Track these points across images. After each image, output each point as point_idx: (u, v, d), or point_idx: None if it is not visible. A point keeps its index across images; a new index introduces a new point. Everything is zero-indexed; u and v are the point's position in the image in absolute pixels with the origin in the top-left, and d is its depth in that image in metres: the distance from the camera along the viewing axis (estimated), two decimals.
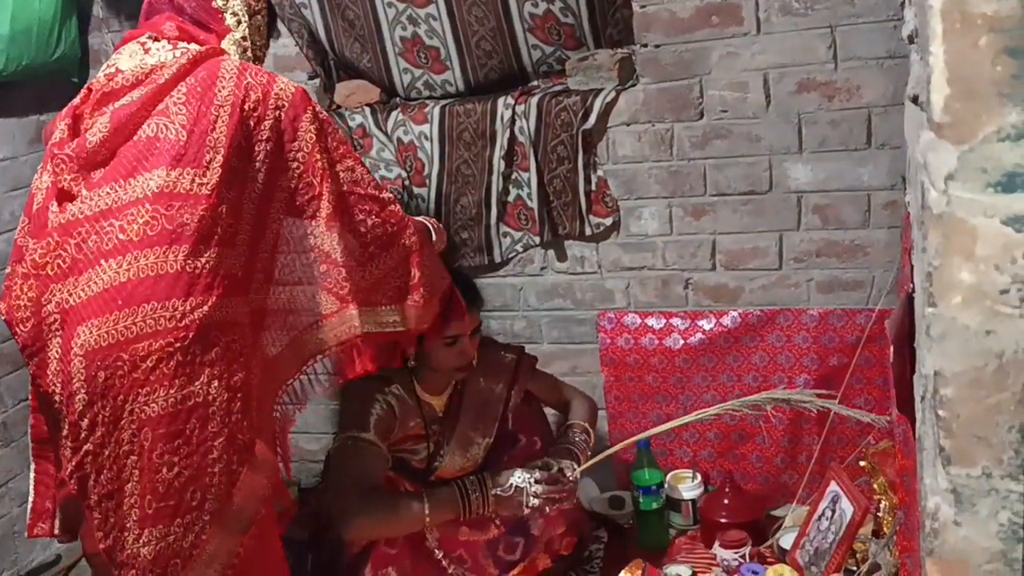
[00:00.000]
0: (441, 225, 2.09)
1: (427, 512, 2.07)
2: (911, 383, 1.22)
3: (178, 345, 1.54)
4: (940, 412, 0.87)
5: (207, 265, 1.57)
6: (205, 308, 1.56)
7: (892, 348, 1.65)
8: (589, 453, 2.31)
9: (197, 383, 1.55)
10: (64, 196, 1.65)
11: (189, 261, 1.56)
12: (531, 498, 2.13)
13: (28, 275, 1.61)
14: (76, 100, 1.74)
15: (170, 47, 1.72)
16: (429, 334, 2.03)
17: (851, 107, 2.30)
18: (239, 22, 1.80)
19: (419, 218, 2.04)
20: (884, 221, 2.35)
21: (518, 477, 2.15)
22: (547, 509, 2.16)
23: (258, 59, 1.87)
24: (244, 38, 1.81)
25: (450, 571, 2.22)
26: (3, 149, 2.67)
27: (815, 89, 2.32)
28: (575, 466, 2.22)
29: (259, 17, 1.86)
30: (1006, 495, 0.87)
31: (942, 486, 0.90)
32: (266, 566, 1.69)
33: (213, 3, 1.80)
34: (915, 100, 0.93)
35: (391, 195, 1.84)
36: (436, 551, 2.19)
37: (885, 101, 2.26)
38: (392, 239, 1.82)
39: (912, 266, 1.33)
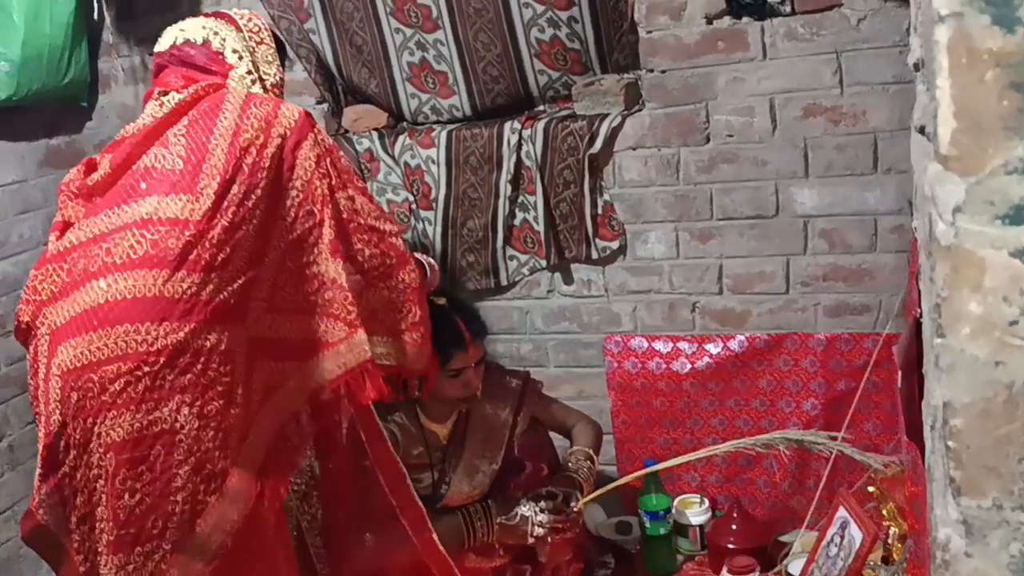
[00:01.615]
0: (436, 265, 2.08)
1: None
2: (920, 409, 1.22)
3: (147, 369, 1.52)
4: (950, 443, 0.87)
5: (188, 291, 1.55)
6: (180, 334, 1.54)
7: (900, 374, 1.64)
8: (593, 480, 2.30)
9: (165, 409, 1.53)
10: (67, 227, 1.70)
11: (168, 286, 1.55)
12: (536, 527, 2.13)
13: (28, 301, 1.67)
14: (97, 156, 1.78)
15: (182, 96, 1.74)
16: (429, 374, 2.01)
17: (857, 132, 2.31)
18: (240, 58, 1.81)
19: (416, 255, 2.05)
20: (891, 245, 2.35)
21: (524, 507, 2.14)
22: (550, 539, 2.16)
23: (273, 87, 1.86)
24: (250, 71, 1.82)
25: None
26: (13, 172, 2.69)
27: (821, 114, 2.33)
28: (579, 496, 2.21)
29: (264, 48, 1.86)
30: (1017, 527, 0.86)
31: (952, 517, 0.90)
32: None
33: (211, 47, 1.81)
34: (922, 131, 0.93)
35: (394, 227, 1.82)
36: None
37: (891, 126, 2.26)
38: (390, 271, 1.80)
39: (919, 291, 1.33)
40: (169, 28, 1.89)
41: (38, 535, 1.66)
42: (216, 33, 1.83)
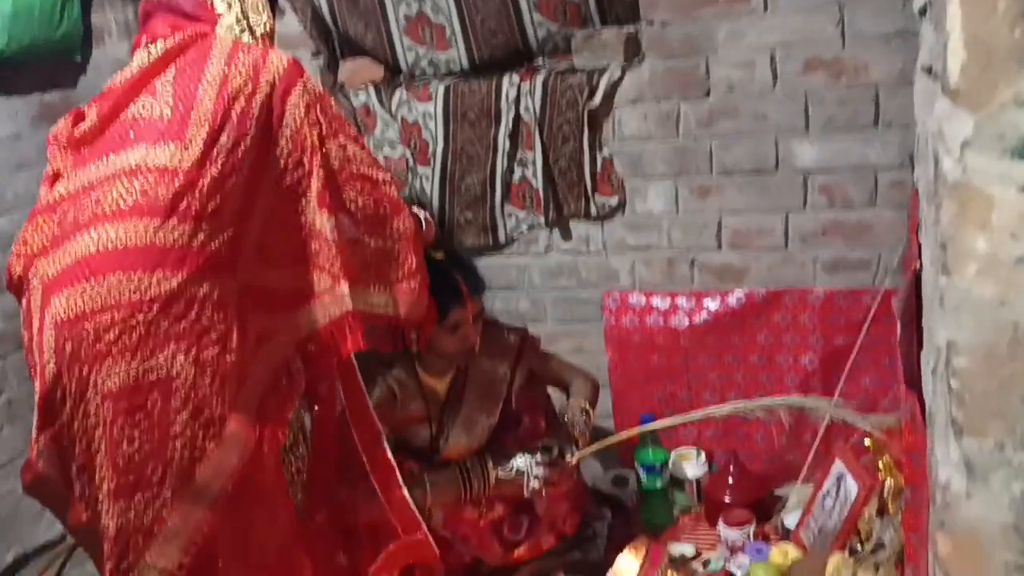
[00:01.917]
0: (432, 219, 2.07)
1: (428, 492, 2.07)
2: (918, 361, 1.22)
3: (140, 318, 1.52)
4: (953, 384, 0.86)
5: (180, 239, 1.55)
6: (173, 282, 1.54)
7: (899, 325, 1.64)
8: (589, 434, 2.31)
9: (161, 357, 1.54)
10: (57, 178, 1.69)
11: (159, 234, 1.54)
12: (532, 480, 2.14)
13: (19, 254, 1.67)
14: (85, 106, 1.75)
15: (168, 43, 1.71)
16: (426, 324, 2.01)
17: (859, 85, 2.29)
18: (228, 6, 1.78)
19: (412, 208, 2.03)
20: (891, 200, 2.34)
21: (520, 460, 2.16)
22: (546, 491, 2.17)
23: (263, 36, 1.84)
24: (238, 20, 1.79)
25: (456, 550, 2.23)
26: (6, 127, 2.66)
27: (822, 67, 2.30)
28: (574, 448, 2.22)
29: None
30: (1019, 467, 0.86)
31: (954, 458, 0.89)
32: (260, 545, 1.67)
33: None
34: (929, 71, 0.92)
35: (388, 176, 1.81)
36: (440, 530, 2.19)
37: (893, 79, 2.24)
38: (384, 221, 1.78)
39: (919, 244, 1.32)
40: None
41: (39, 485, 1.67)
42: None
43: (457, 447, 2.26)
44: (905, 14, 2.15)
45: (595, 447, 2.25)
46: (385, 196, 1.78)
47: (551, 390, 2.48)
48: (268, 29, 1.85)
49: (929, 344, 1.02)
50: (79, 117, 1.73)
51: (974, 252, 0.79)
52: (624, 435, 2.29)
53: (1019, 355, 0.82)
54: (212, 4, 1.78)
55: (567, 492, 2.33)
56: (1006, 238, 0.77)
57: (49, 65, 2.77)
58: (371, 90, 2.71)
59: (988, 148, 0.75)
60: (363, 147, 1.78)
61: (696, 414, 2.21)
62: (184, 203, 1.56)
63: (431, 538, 1.93)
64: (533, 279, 2.75)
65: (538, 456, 2.17)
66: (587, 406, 2.37)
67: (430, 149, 2.68)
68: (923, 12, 1.17)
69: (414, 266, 1.82)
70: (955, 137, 0.76)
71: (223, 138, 1.61)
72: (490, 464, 2.17)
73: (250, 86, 1.64)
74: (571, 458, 2.21)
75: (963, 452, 0.88)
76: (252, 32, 1.82)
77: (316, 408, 1.81)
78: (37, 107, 2.74)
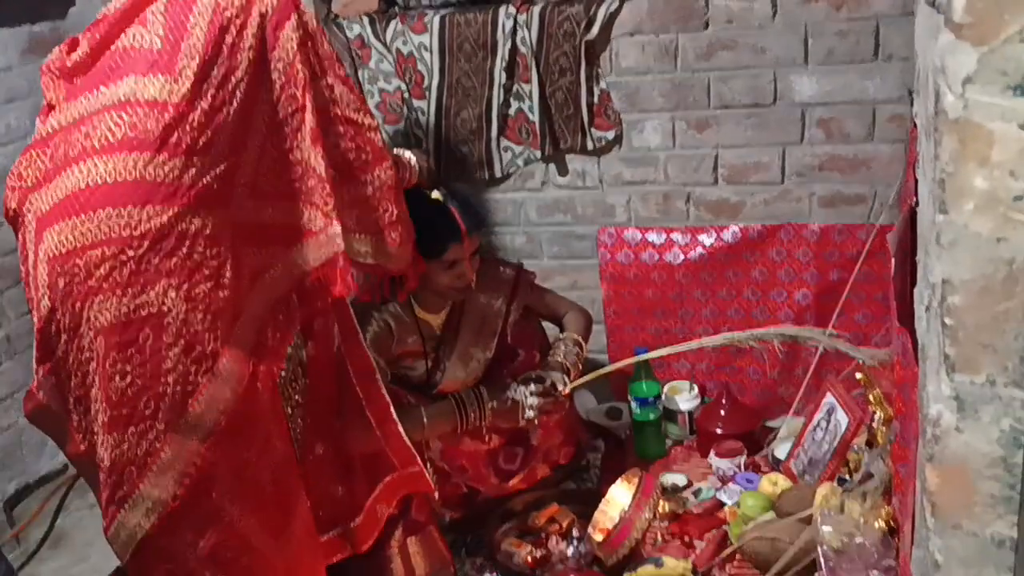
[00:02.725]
0: (417, 161, 2.04)
1: (425, 423, 2.10)
2: (911, 296, 1.23)
3: (131, 253, 1.51)
4: (946, 320, 0.88)
5: (171, 174, 1.53)
6: (164, 217, 1.52)
7: (893, 262, 1.65)
8: (581, 365, 2.34)
9: (152, 292, 1.53)
10: (51, 111, 1.67)
11: (149, 169, 1.52)
12: (527, 410, 2.17)
13: (14, 188, 1.65)
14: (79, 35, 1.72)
15: None
16: (408, 275, 2.00)
17: (860, 17, 2.26)
18: None
19: (403, 151, 2.01)
20: (889, 135, 2.33)
21: (514, 390, 2.18)
22: (539, 420, 2.20)
23: None
24: None
25: (452, 481, 2.27)
26: None
27: None
28: (566, 379, 2.25)
29: None
30: (1009, 402, 0.88)
31: (945, 393, 0.91)
32: (255, 477, 1.68)
33: None
34: (932, 3, 0.91)
35: (373, 122, 1.77)
36: (438, 461, 2.23)
37: (895, 11, 2.22)
38: (365, 167, 1.75)
39: (916, 180, 1.32)
40: None
41: (41, 414, 1.69)
42: None
43: (453, 380, 2.29)
44: None
45: (588, 377, 2.28)
46: (368, 142, 1.75)
47: (546, 324, 2.50)
48: None
49: (923, 281, 1.03)
50: (73, 46, 1.70)
51: (973, 189, 0.79)
52: (617, 365, 2.31)
53: (1014, 292, 0.83)
54: None
55: (561, 423, 2.36)
56: (1005, 175, 0.78)
57: None
58: (365, 21, 2.67)
59: (991, 84, 0.74)
60: (351, 89, 1.74)
61: (689, 345, 2.23)
62: (175, 137, 1.54)
63: (427, 470, 1.96)
64: (529, 214, 2.74)
65: (532, 386, 2.19)
66: (580, 339, 2.39)
67: (425, 82, 2.65)
68: None
69: (395, 216, 1.79)
70: (957, 72, 0.76)
71: (214, 71, 1.58)
72: (485, 395, 2.19)
73: (242, 17, 1.61)
74: (564, 388, 2.23)
75: (955, 387, 0.90)
76: None
77: (312, 343, 1.81)
78: (26, 39, 2.69)
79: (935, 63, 0.80)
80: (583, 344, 2.39)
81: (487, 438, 2.27)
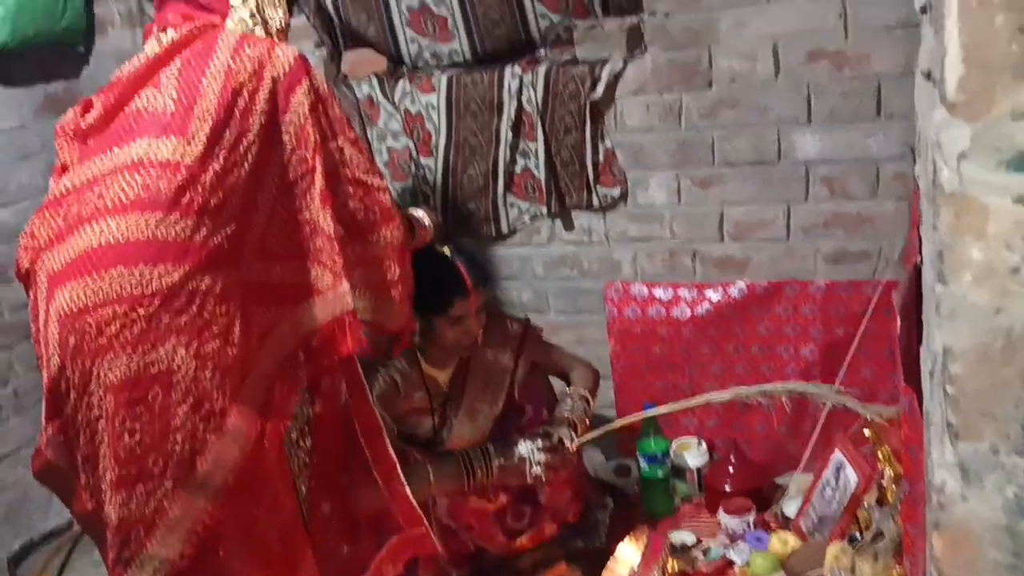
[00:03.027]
0: (429, 220, 2.06)
1: (431, 481, 2.09)
2: (918, 355, 1.23)
3: (142, 311, 1.53)
4: (948, 388, 0.88)
5: (182, 233, 1.55)
6: (175, 276, 1.54)
7: (899, 320, 1.65)
8: (589, 421, 2.33)
9: (162, 350, 1.54)
10: (64, 172, 1.70)
11: (161, 228, 1.54)
12: (534, 466, 2.16)
13: (27, 247, 1.68)
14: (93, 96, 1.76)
15: (176, 34, 1.72)
16: (403, 334, 2.01)
17: (861, 76, 2.29)
18: (244, 0, 1.79)
19: (415, 210, 2.03)
20: (892, 192, 2.34)
21: (522, 447, 2.17)
22: (547, 476, 2.19)
23: (278, 32, 1.83)
24: (252, 15, 1.79)
25: (459, 538, 2.26)
26: (10, 119, 2.67)
27: (825, 58, 2.30)
28: (573, 435, 2.24)
29: None
30: (1012, 470, 0.88)
31: (949, 460, 0.91)
32: (262, 535, 1.68)
33: None
34: (928, 76, 0.93)
35: (383, 183, 1.80)
36: (444, 519, 2.22)
37: (896, 70, 2.25)
38: (373, 226, 1.78)
39: (920, 238, 1.33)
40: None
41: (48, 472, 1.70)
42: None
43: (461, 437, 2.28)
44: (907, 5, 2.14)
45: (595, 433, 2.27)
46: (377, 202, 1.78)
47: (553, 380, 2.50)
48: (283, 25, 1.84)
49: (927, 347, 1.04)
50: (87, 107, 1.74)
51: (970, 261, 0.80)
52: (624, 421, 2.30)
53: (1013, 360, 0.83)
54: None
55: (569, 480, 2.35)
56: (1001, 247, 0.79)
57: (52, 56, 2.77)
58: (374, 81, 2.72)
59: (984, 159, 0.76)
60: (361, 151, 1.77)
61: (697, 400, 2.22)
62: (187, 197, 1.56)
63: (433, 531, 1.95)
64: (536, 269, 2.76)
65: (539, 442, 2.18)
66: (587, 394, 2.39)
67: (433, 140, 2.68)
68: (924, 10, 1.17)
69: (397, 276, 1.81)
70: (952, 147, 0.77)
71: (226, 133, 1.61)
72: (492, 452, 2.18)
73: (254, 81, 1.64)
74: (571, 444, 2.23)
75: (958, 455, 0.90)
76: (266, 27, 1.82)
77: (319, 401, 1.82)
78: (41, 98, 2.75)
79: (931, 138, 0.82)
80: (590, 400, 2.39)
81: (494, 496, 2.25)
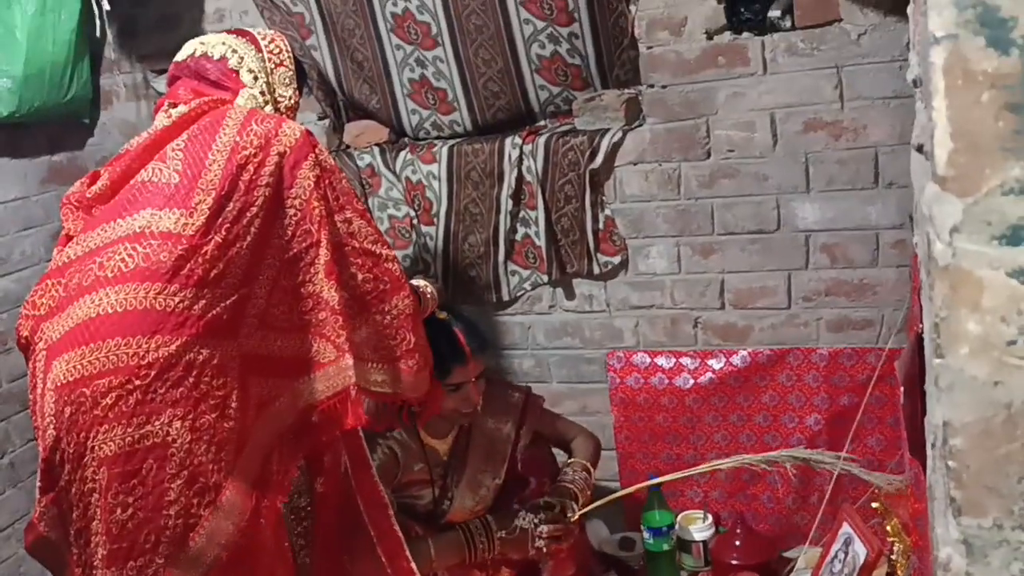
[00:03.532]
0: (434, 289, 2.07)
1: (433, 556, 2.05)
2: (922, 426, 1.22)
3: (138, 383, 1.52)
4: (950, 463, 0.86)
5: (180, 304, 1.55)
6: (172, 347, 1.53)
7: (902, 389, 1.64)
8: (590, 492, 2.30)
9: (157, 423, 1.53)
10: (68, 241, 1.72)
11: (160, 299, 1.54)
12: (537, 539, 2.12)
13: (28, 316, 1.69)
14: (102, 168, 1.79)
15: (186, 108, 1.75)
16: (429, 402, 2.00)
17: (858, 146, 2.31)
18: (255, 78, 1.81)
19: (418, 281, 2.04)
20: (893, 260, 2.34)
21: (523, 519, 2.14)
22: (550, 549, 2.15)
23: (287, 111, 1.86)
24: (263, 92, 1.82)
25: None
26: (15, 189, 2.70)
27: (822, 129, 2.33)
28: (575, 505, 2.21)
29: (283, 70, 1.86)
30: (1017, 546, 0.86)
31: (953, 536, 0.89)
32: None
33: (228, 64, 1.81)
34: (920, 149, 0.93)
35: (391, 253, 1.80)
36: None
37: (892, 140, 2.26)
38: (384, 296, 1.77)
39: (921, 306, 1.32)
40: (191, 40, 1.90)
41: (41, 546, 1.67)
42: (235, 51, 1.83)
43: (462, 509, 2.25)
44: (902, 77, 2.18)
45: (598, 504, 2.23)
46: (386, 272, 1.77)
47: (556, 451, 2.47)
48: (293, 103, 1.88)
49: (928, 420, 1.02)
50: (94, 179, 1.76)
51: (966, 334, 0.80)
52: (626, 491, 2.27)
53: (1014, 435, 0.82)
54: (239, 75, 1.81)
55: (573, 554, 2.30)
56: (997, 320, 0.78)
57: (58, 127, 2.82)
58: (376, 151, 2.75)
59: (977, 234, 0.76)
60: (368, 222, 1.78)
61: (701, 468, 2.20)
62: (187, 268, 1.56)
63: None
64: (537, 338, 2.75)
65: (541, 515, 2.15)
66: (588, 464, 2.36)
67: (434, 209, 2.70)
68: (916, 84, 1.18)
69: (412, 344, 1.80)
70: (944, 222, 0.77)
71: (229, 206, 1.62)
72: (493, 525, 2.15)
73: (260, 155, 1.65)
74: (573, 515, 2.19)
75: (962, 531, 0.88)
76: (276, 105, 1.85)
77: (321, 479, 1.79)
78: (46, 169, 2.78)
79: (924, 211, 0.82)
80: (591, 470, 2.36)
81: (494, 571, 2.21)
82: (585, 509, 2.22)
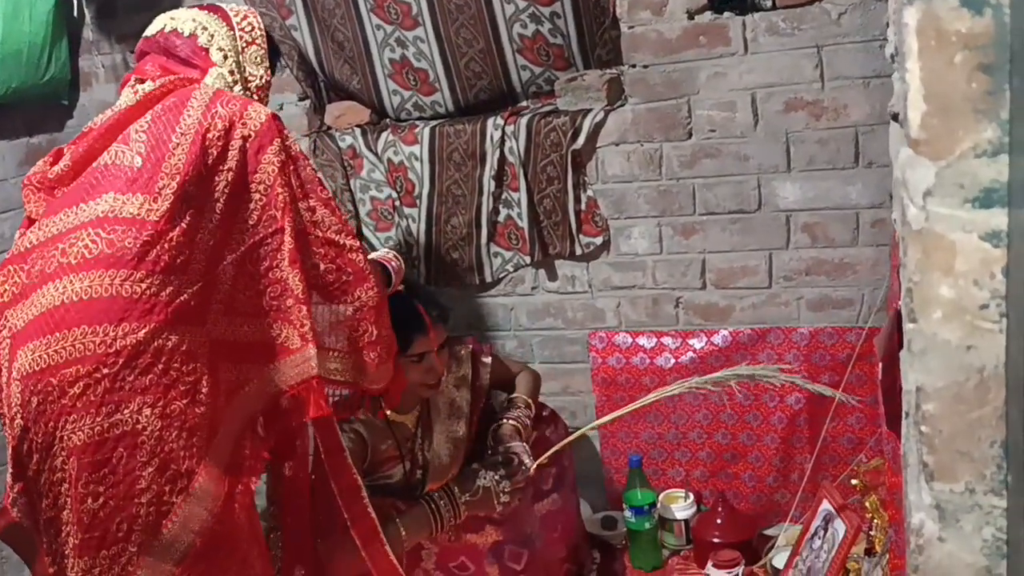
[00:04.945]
0: (399, 258, 2.06)
1: (404, 535, 2.04)
2: (900, 400, 1.23)
3: (106, 371, 1.49)
4: (923, 428, 0.87)
5: (148, 291, 1.52)
6: (139, 334, 1.51)
7: (881, 365, 1.65)
8: (531, 426, 2.30)
9: (126, 411, 1.51)
10: (30, 224, 1.68)
11: (126, 286, 1.52)
12: (501, 495, 2.12)
13: None
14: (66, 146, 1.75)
15: (152, 86, 1.71)
16: (391, 392, 1.98)
17: (838, 126, 2.31)
18: (225, 57, 1.77)
19: (380, 253, 2.02)
20: (873, 239, 2.36)
21: (484, 478, 2.13)
22: (516, 502, 2.15)
23: (258, 89, 1.82)
24: (232, 71, 1.78)
25: None
26: None
27: (802, 108, 2.33)
28: (527, 447, 2.21)
29: (254, 48, 1.81)
30: (989, 511, 0.87)
31: (926, 502, 0.90)
32: None
33: (197, 42, 1.77)
34: (895, 117, 0.93)
35: (356, 243, 1.76)
36: (434, 572, 2.16)
37: (872, 120, 2.27)
38: (346, 287, 1.73)
39: (900, 283, 1.33)
40: (161, 15, 1.85)
41: (13, 532, 1.65)
42: (205, 28, 1.79)
43: (440, 471, 2.22)
44: (882, 57, 2.19)
45: (553, 450, 2.20)
46: (349, 263, 1.73)
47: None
48: (264, 83, 1.83)
49: (904, 387, 1.03)
50: (57, 157, 1.72)
51: (939, 298, 0.80)
52: (580, 432, 2.24)
53: (986, 399, 0.83)
54: (208, 53, 1.77)
55: (565, 536, 2.31)
56: (970, 284, 0.79)
57: (36, 109, 2.78)
58: (357, 132, 2.73)
59: (949, 197, 0.76)
60: (333, 211, 1.74)
61: (647, 398, 2.19)
62: (153, 254, 1.54)
63: None
64: (520, 319, 2.75)
65: (500, 470, 2.14)
66: (529, 399, 2.35)
67: (416, 190, 2.69)
68: (894, 59, 1.19)
69: (375, 336, 1.77)
70: (918, 185, 0.78)
71: (193, 191, 1.59)
72: (456, 492, 2.14)
73: (224, 140, 1.62)
74: (531, 463, 2.19)
75: (934, 496, 0.89)
76: (247, 84, 1.80)
77: (290, 464, 1.78)
78: (24, 150, 2.75)
79: (897, 176, 0.82)
80: (532, 405, 2.36)
81: (482, 530, 2.19)
82: (541, 460, 2.20)
